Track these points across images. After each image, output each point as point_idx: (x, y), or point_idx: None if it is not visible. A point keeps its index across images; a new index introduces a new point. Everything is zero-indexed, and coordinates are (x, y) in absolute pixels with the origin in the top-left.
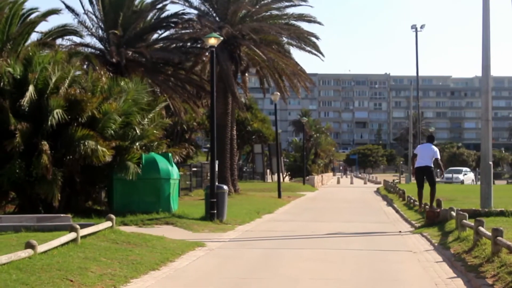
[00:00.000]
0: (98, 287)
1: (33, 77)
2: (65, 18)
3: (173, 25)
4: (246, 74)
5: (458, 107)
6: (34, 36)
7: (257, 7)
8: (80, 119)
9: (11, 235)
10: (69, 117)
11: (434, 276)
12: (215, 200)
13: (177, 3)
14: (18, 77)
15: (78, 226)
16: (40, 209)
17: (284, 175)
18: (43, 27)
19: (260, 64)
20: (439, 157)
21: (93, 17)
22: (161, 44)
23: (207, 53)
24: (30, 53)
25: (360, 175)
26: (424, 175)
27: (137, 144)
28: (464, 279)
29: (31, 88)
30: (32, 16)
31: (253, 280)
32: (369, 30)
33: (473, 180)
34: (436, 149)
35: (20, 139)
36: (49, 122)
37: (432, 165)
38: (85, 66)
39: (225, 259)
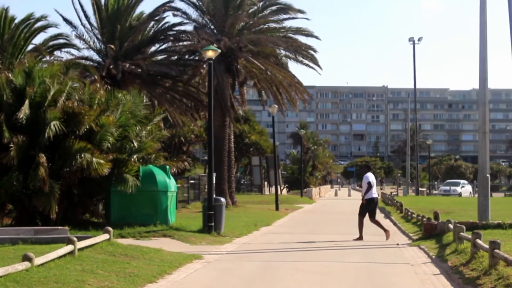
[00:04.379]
0: None
1: (30, 91)
2: (64, 31)
3: (171, 37)
4: (244, 87)
5: (456, 119)
6: (30, 47)
7: (255, 19)
8: (77, 131)
9: (8, 248)
10: (67, 129)
11: None
12: (212, 212)
13: (176, 15)
14: (18, 89)
15: (75, 239)
16: (37, 221)
17: (282, 188)
18: (40, 38)
19: (258, 77)
20: None
21: (91, 29)
22: (159, 57)
23: (204, 66)
24: (29, 66)
25: (357, 188)
26: (376, 206)
27: (134, 156)
28: None
29: (27, 102)
30: (28, 28)
31: None
32: (367, 43)
33: (470, 192)
34: None
35: (15, 152)
36: (46, 134)
37: None
38: (84, 78)
39: (223, 271)
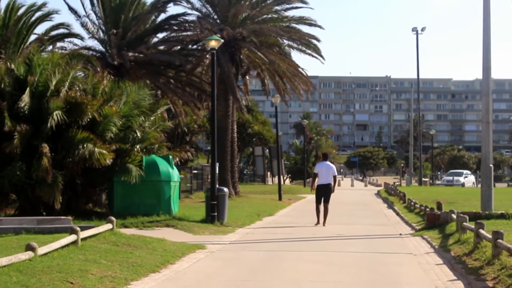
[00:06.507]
0: None
1: (32, 79)
2: (66, 21)
3: (174, 27)
4: (247, 77)
5: (459, 109)
6: (33, 37)
7: (258, 9)
8: (80, 121)
9: (12, 237)
10: (70, 119)
11: (434, 278)
12: (215, 202)
13: (179, 4)
14: (20, 79)
15: (78, 229)
16: (41, 211)
17: (285, 178)
18: (42, 28)
19: (261, 67)
20: (336, 174)
21: (95, 19)
22: (162, 47)
23: (208, 56)
24: (31, 55)
25: (359, 178)
26: (326, 192)
27: (137, 146)
28: (465, 281)
29: (27, 90)
30: (30, 17)
31: (254, 282)
32: (370, 33)
33: (473, 182)
34: (334, 166)
35: (18, 141)
36: (49, 124)
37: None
38: (88, 67)
39: (226, 261)
